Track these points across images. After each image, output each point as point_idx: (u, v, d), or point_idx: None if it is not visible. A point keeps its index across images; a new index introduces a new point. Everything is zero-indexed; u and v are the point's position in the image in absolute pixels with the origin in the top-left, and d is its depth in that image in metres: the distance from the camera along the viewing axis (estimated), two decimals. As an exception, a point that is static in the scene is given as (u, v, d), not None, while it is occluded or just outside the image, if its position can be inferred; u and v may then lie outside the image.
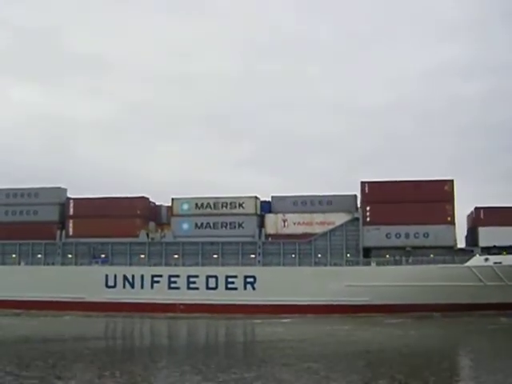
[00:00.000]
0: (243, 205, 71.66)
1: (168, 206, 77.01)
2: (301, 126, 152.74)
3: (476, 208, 69.40)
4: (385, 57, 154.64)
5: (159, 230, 75.29)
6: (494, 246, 66.12)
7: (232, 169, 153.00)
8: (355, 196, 71.70)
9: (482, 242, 66.59)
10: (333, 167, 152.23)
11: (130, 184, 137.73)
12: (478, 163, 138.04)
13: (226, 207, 72.03)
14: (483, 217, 67.70)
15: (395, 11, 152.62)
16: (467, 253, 67.02)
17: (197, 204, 72.78)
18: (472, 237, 70.36)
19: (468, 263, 64.84)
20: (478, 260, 64.93)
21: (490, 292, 62.97)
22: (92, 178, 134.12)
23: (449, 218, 66.84)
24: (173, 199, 73.99)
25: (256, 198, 72.32)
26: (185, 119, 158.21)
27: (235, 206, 71.82)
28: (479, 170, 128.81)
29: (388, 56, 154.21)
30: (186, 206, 73.10)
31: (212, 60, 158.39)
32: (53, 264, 74.48)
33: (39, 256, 75.20)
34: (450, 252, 66.83)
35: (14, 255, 75.88)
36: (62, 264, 74.20)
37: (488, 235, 66.21)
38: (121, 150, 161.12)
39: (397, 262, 66.79)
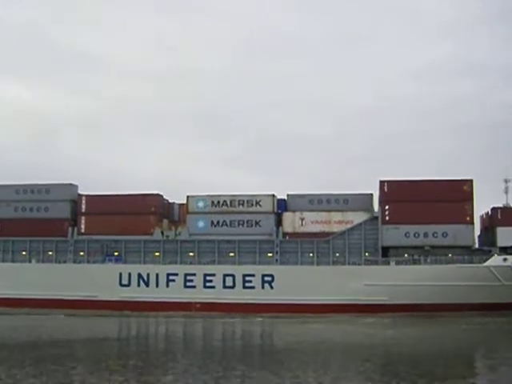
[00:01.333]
0: (260, 203, 70.99)
1: (181, 204, 76.19)
2: (297, 125, 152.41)
3: (493, 208, 69.70)
4: (383, 56, 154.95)
5: (173, 228, 74.28)
6: (512, 246, 66.48)
7: (223, 167, 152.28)
8: (371, 195, 71.54)
9: (501, 242, 66.81)
10: (330, 167, 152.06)
11: (123, 181, 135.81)
12: (477, 163, 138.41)
13: (243, 205, 71.27)
14: (501, 217, 67.96)
15: (393, 10, 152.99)
16: (485, 253, 67.16)
17: (213, 201, 71.94)
18: (487, 237, 70.61)
19: (487, 263, 65.01)
20: (496, 260, 65.10)
21: (509, 292, 63.16)
22: (83, 175, 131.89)
23: (468, 218, 66.99)
24: (188, 196, 73.07)
25: (273, 196, 71.69)
26: (175, 116, 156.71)
27: (252, 204, 71.11)
28: (478, 169, 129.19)
29: (386, 55, 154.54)
30: (201, 204, 72.20)
31: (208, 58, 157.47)
32: (64, 262, 73.21)
33: (50, 253, 73.88)
34: (467, 252, 66.89)
35: (24, 252, 74.46)
36: (74, 262, 73.08)
37: (506, 235, 66.46)
38: (110, 148, 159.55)
39: (415, 262, 66.77)
